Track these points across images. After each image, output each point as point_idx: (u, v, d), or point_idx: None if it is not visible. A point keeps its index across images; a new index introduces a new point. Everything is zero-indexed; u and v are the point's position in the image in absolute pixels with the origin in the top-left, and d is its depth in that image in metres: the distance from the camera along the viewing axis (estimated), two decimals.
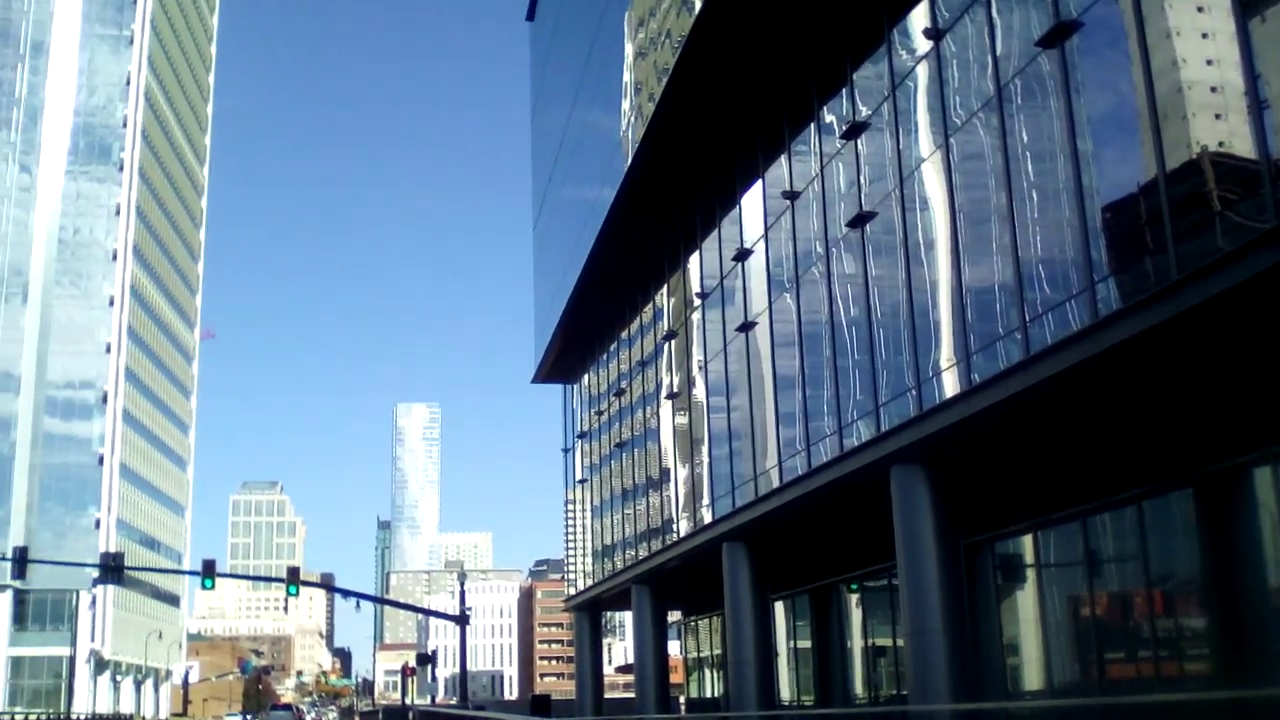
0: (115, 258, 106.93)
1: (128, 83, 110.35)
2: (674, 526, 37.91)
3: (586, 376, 54.70)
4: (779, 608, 35.92)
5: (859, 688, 29.79)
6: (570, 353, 53.92)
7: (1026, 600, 21.68)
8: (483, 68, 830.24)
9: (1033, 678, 21.32)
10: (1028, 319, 17.32)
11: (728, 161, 31.59)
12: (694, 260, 36.21)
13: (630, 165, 34.24)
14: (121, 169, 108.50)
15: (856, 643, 30.16)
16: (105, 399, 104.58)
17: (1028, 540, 21.42)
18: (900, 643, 24.14)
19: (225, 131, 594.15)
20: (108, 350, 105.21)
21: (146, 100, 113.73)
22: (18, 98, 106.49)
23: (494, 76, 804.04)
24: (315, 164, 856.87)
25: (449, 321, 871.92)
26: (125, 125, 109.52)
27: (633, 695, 49.03)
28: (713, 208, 33.66)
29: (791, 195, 27.59)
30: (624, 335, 46.13)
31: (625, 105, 37.06)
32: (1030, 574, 21.55)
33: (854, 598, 30.77)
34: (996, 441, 20.00)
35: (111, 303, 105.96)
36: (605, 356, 49.96)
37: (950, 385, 19.73)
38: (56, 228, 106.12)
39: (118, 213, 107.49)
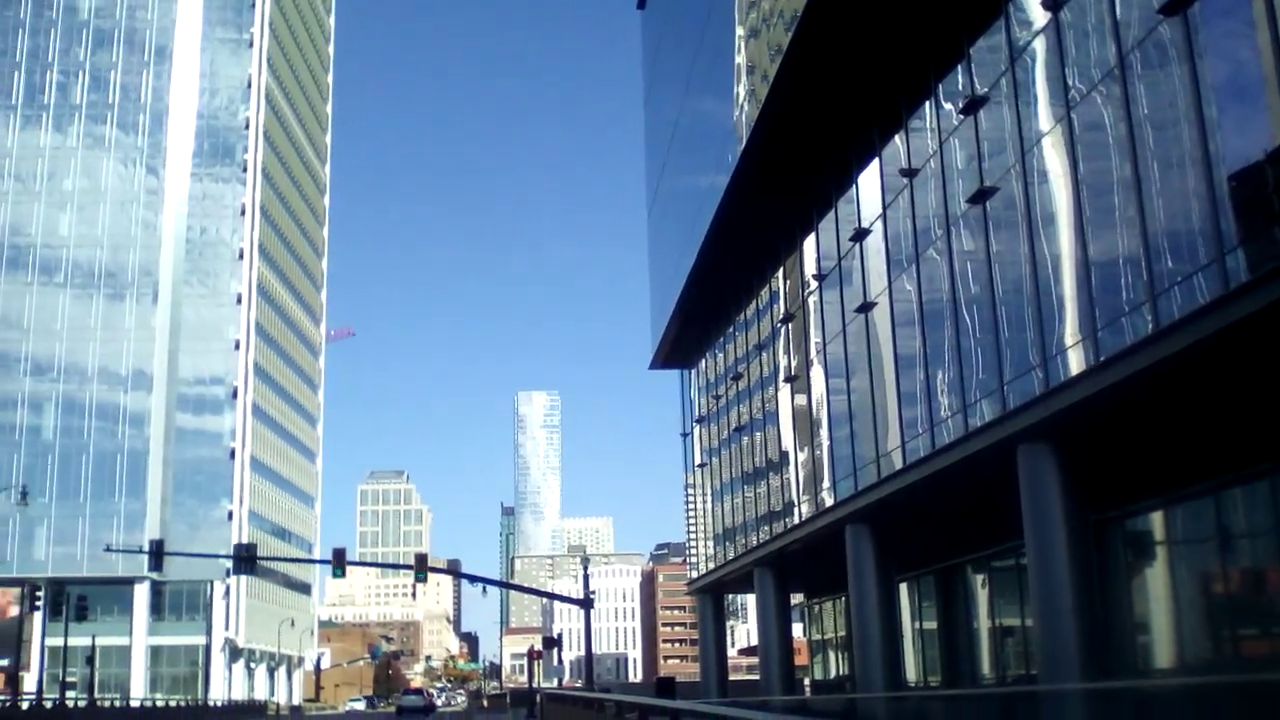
0: (241, 257, 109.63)
1: (248, 85, 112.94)
2: (795, 509, 37.87)
3: (704, 361, 54.79)
4: (903, 589, 35.72)
5: (986, 668, 29.51)
6: (687, 338, 54.03)
7: (1157, 577, 21.33)
8: (596, 56, 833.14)
9: (1164, 656, 20.96)
10: (1155, 292, 17.02)
11: (843, 140, 31.37)
12: (810, 242, 36.09)
13: (744, 148, 34.17)
14: (245, 169, 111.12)
15: (983, 623, 29.87)
16: (235, 394, 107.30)
17: (1158, 517, 21.05)
18: (1029, 622, 23.90)
19: (345, 129, 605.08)
20: (236, 347, 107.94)
21: (267, 101, 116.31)
22: (143, 103, 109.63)
23: (607, 64, 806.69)
24: (432, 159, 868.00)
25: (567, 310, 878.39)
26: (247, 127, 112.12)
27: (757, 677, 49.12)
28: (828, 188, 33.50)
29: (909, 173, 27.36)
30: (741, 319, 46.12)
31: (738, 89, 37.00)
32: (1161, 551, 21.19)
33: (980, 578, 30.47)
34: (1125, 417, 19.68)
35: (239, 300, 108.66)
36: (722, 341, 50.00)
37: (1076, 362, 19.46)
38: (184, 228, 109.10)
39: (243, 213, 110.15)
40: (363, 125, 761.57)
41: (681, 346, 55.68)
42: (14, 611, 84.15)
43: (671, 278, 50.45)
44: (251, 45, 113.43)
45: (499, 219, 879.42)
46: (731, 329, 47.90)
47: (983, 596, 30.26)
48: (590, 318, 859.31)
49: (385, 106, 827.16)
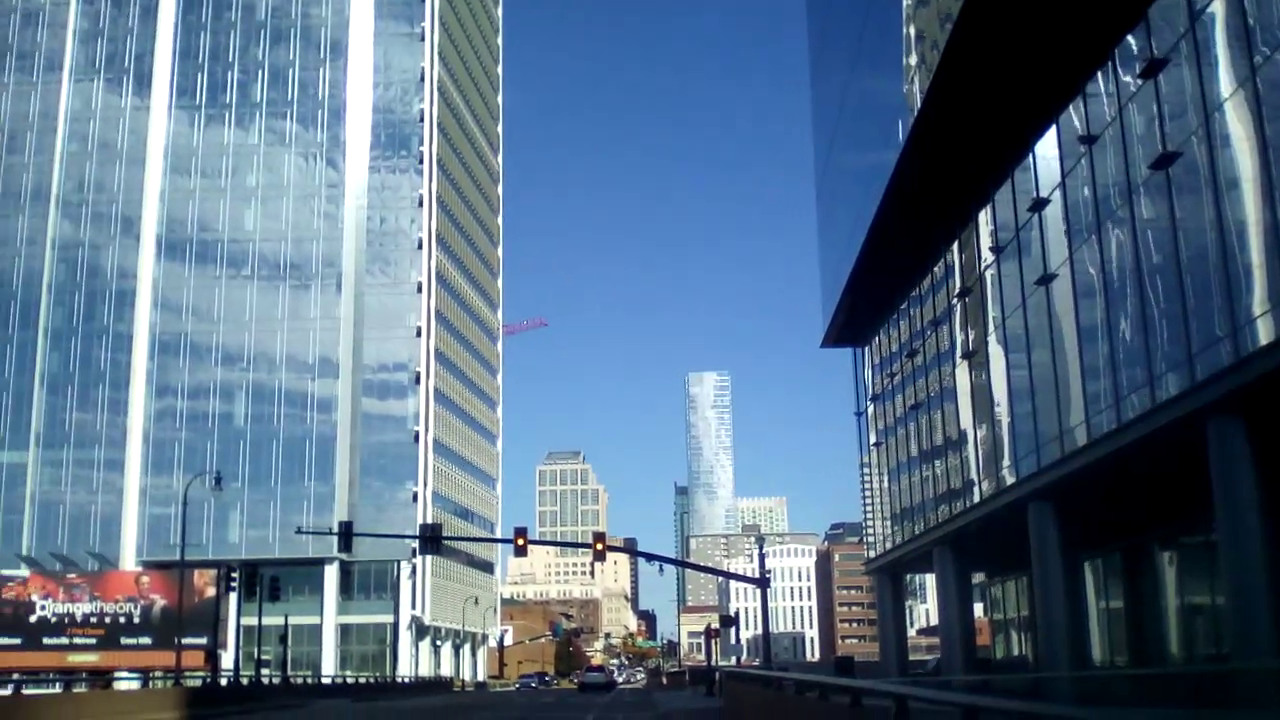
0: (420, 246, 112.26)
1: (421, 78, 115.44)
2: (975, 487, 37.28)
3: (877, 338, 54.23)
4: (1087, 568, 34.89)
5: (1175, 648, 28.68)
6: (859, 315, 53.53)
7: None
8: (762, 38, 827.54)
9: None
10: None
11: (1018, 108, 30.65)
12: (985, 214, 35.40)
13: (915, 119, 33.66)
14: (421, 161, 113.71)
15: (1171, 602, 29.02)
16: (417, 379, 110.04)
17: None
18: (1219, 601, 23.15)
19: (515, 119, 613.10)
20: (418, 334, 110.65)
21: (440, 93, 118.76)
22: (321, 98, 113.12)
23: (774, 46, 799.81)
24: (600, 146, 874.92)
25: (737, 291, 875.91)
26: (422, 119, 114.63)
27: (937, 657, 48.56)
28: (1003, 157, 32.78)
29: (1088, 139, 26.63)
30: (915, 295, 45.51)
31: (907, 60, 36.45)
32: None
33: (1168, 555, 29.59)
34: None
35: (419, 289, 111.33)
36: (896, 317, 49.42)
37: (1266, 331, 18.74)
38: (364, 219, 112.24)
39: (420, 203, 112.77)
40: (532, 115, 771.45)
41: (853, 324, 55.20)
42: (210, 592, 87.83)
43: (842, 255, 50.02)
44: (423, 39, 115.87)
45: (669, 202, 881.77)
46: (905, 305, 47.30)
47: (1170, 575, 29.40)
48: (759, 298, 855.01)
49: (553, 96, 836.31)
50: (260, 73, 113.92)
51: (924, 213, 39.34)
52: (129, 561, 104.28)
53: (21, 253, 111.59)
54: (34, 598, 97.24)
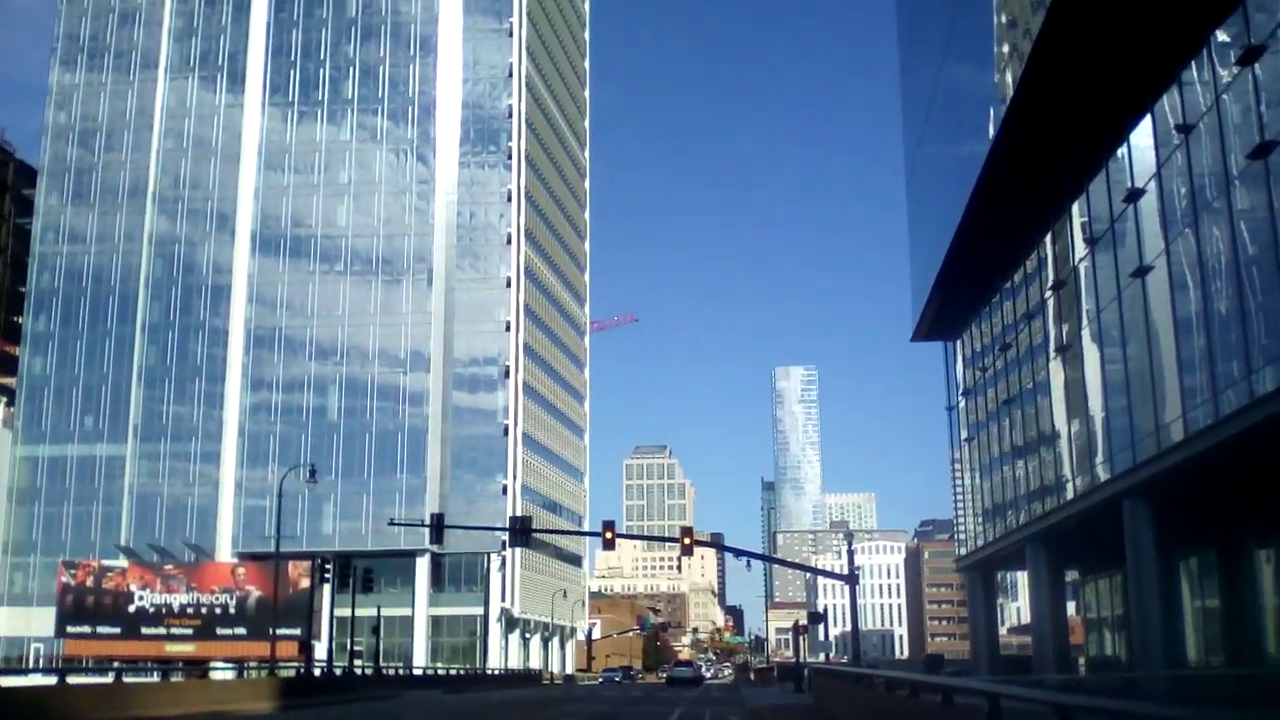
0: (509, 241, 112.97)
1: (509, 73, 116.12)
2: (1068, 484, 36.76)
3: (968, 332, 53.65)
4: (1183, 565, 34.26)
5: (1273, 647, 28.06)
6: (950, 309, 53.00)
7: None
8: (850, 34, 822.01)
9: None
10: None
11: (1111, 97, 30.15)
12: (1079, 205, 34.86)
13: (1007, 110, 33.21)
14: (510, 156, 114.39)
15: (1270, 600, 28.40)
16: (506, 373, 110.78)
17: None
18: None
19: (601, 114, 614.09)
20: (507, 328, 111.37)
21: (528, 89, 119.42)
22: (411, 95, 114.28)
23: (862, 42, 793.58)
24: (687, 141, 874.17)
25: (825, 284, 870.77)
26: (510, 115, 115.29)
27: (1029, 655, 47.97)
28: (1097, 148, 32.26)
29: (1184, 129, 26.12)
30: (1007, 288, 44.97)
31: (998, 50, 35.99)
32: None
33: (1266, 553, 28.95)
34: None
35: (508, 283, 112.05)
36: (987, 311, 48.86)
37: None
38: (454, 215, 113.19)
39: (509, 199, 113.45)
40: (618, 109, 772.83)
41: (944, 318, 54.68)
42: (304, 584, 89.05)
43: (933, 248, 49.55)
44: (511, 34, 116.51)
45: (756, 195, 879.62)
46: (997, 298, 46.75)
47: (1268, 573, 28.78)
48: (848, 292, 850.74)
49: (639, 90, 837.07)
50: (351, 69, 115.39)
51: (1016, 204, 38.84)
52: (225, 553, 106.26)
53: (119, 249, 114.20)
54: (133, 588, 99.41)
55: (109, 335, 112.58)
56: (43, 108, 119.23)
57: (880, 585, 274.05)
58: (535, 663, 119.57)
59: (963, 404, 55.30)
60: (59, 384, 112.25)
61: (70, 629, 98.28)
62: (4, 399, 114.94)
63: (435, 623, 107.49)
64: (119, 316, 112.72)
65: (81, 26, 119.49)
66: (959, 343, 56.17)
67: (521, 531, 59.55)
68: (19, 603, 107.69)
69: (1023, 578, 49.70)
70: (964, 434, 55.14)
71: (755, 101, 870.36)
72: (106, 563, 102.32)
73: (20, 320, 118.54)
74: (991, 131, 35.28)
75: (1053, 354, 38.34)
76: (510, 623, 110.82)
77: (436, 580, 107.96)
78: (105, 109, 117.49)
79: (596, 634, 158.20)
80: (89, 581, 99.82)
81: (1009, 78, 33.26)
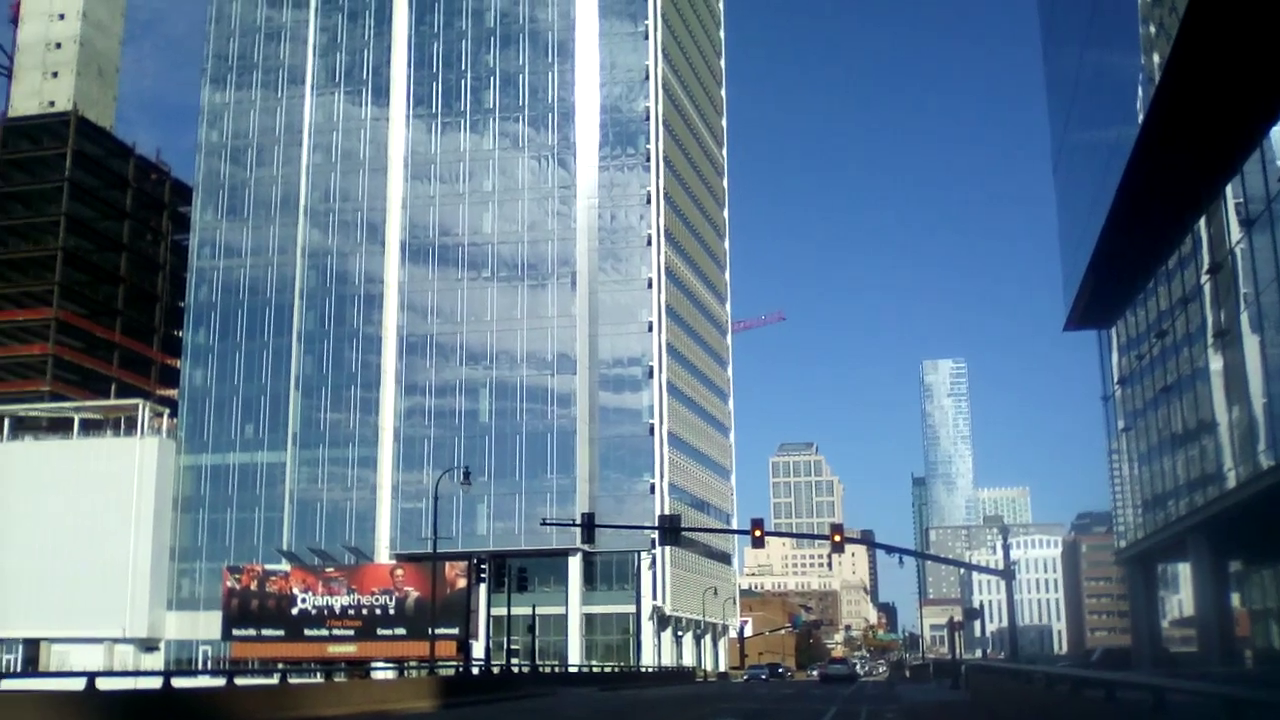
0: (649, 243, 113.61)
1: (645, 76, 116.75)
2: (1230, 472, 35.74)
3: (1122, 320, 52.44)
4: None
5: None
6: (1103, 296, 51.83)
7: None
8: (987, 17, 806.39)
9: None
10: None
11: (1264, 73, 29.21)
12: (1233, 186, 33.88)
13: (1155, 91, 32.42)
14: (648, 158, 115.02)
15: None
16: (650, 373, 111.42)
17: None
18: None
19: (739, 112, 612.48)
20: (649, 329, 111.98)
21: (664, 90, 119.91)
22: (550, 101, 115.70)
23: (1000, 25, 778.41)
24: (825, 133, 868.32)
25: (971, 276, 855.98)
26: (647, 117, 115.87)
27: (1193, 650, 46.72)
28: (1252, 124, 31.29)
29: None
30: (1161, 272, 43.87)
31: (1144, 30, 35.15)
32: None
33: None
34: None
35: (649, 284, 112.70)
36: (1142, 297, 47.71)
37: None
38: (595, 218, 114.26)
39: (648, 200, 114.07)
40: (756, 106, 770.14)
41: (1097, 306, 53.51)
42: (461, 584, 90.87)
43: (1083, 235, 48.55)
44: (647, 37, 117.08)
45: (898, 187, 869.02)
46: (1152, 284, 45.62)
47: None
48: (995, 283, 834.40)
49: (776, 86, 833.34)
50: (491, 78, 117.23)
51: (1168, 187, 37.88)
52: (383, 555, 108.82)
53: (274, 261, 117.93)
54: (295, 591, 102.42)
55: (266, 346, 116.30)
56: (195, 127, 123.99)
57: (1037, 580, 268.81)
58: (688, 660, 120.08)
59: (1119, 393, 54.06)
60: (219, 395, 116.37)
61: (236, 632, 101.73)
62: (167, 410, 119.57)
63: (588, 621, 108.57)
64: (275, 327, 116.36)
65: (230, 46, 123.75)
66: (1113, 330, 54.93)
67: (671, 530, 59.94)
68: (187, 607, 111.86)
69: (1185, 570, 48.29)
70: (1121, 423, 53.90)
71: (895, 89, 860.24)
72: (269, 567, 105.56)
73: (180, 334, 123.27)
74: (1140, 114, 34.48)
75: (1211, 339, 37.31)
76: (662, 621, 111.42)
77: (589, 579, 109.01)
78: (255, 125, 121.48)
79: (748, 631, 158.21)
80: (253, 585, 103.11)
81: (1156, 58, 32.47)
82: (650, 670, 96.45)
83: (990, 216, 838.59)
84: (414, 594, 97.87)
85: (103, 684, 26.90)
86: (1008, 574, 57.96)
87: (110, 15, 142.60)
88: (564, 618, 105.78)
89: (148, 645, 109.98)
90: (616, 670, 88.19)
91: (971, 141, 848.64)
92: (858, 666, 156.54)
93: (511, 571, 69.53)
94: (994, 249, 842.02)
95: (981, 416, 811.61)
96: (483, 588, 75.42)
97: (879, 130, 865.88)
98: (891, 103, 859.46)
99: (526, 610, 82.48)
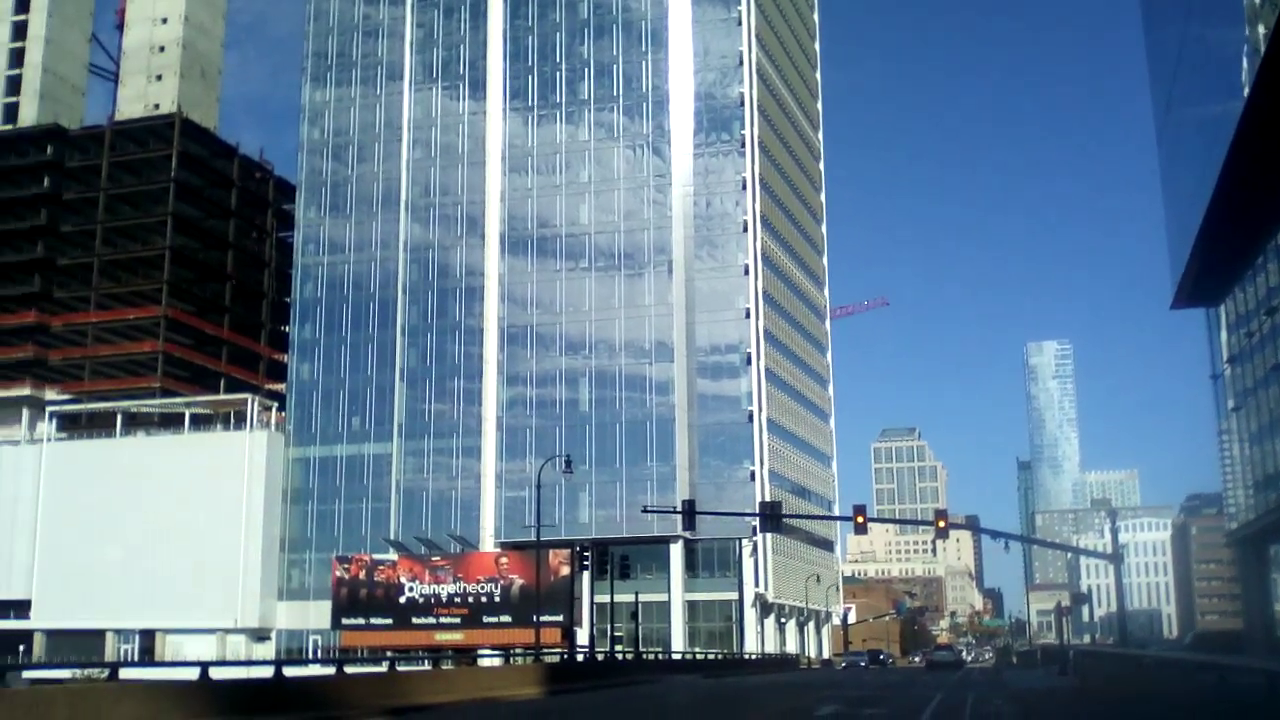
0: (745, 229, 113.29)
1: (739, 61, 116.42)
2: None
3: (1231, 297, 51.43)
4: None
5: None
6: (1210, 274, 50.90)
7: None
8: None
9: None
10: None
11: None
12: None
13: (1261, 63, 31.79)
14: (743, 144, 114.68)
15: None
16: (749, 360, 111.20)
17: None
18: None
19: (835, 94, 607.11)
20: (747, 315, 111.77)
21: (758, 75, 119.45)
22: (644, 90, 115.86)
23: (1100, 2, 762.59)
24: (922, 114, 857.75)
25: (1074, 256, 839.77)
26: (741, 103, 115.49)
27: None
28: None
29: None
30: (1271, 247, 42.98)
31: (1248, 1, 34.43)
32: None
33: None
34: None
35: (746, 271, 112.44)
36: (1251, 274, 46.78)
37: None
38: (690, 205, 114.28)
39: (744, 186, 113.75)
40: (852, 89, 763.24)
41: (1205, 283, 52.58)
42: (564, 571, 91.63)
43: (1189, 212, 47.70)
44: (740, 22, 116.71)
45: (998, 167, 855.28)
46: (1261, 260, 44.74)
47: None
48: (1099, 263, 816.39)
49: (873, 67, 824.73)
50: (586, 69, 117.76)
51: (1274, 161, 37.09)
52: (488, 543, 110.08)
53: (377, 256, 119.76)
54: (402, 580, 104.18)
55: (371, 339, 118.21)
56: (297, 125, 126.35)
57: (1146, 564, 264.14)
58: (791, 647, 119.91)
59: (1228, 371, 53.05)
60: (326, 388, 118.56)
61: (345, 621, 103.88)
62: (275, 404, 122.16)
63: (691, 608, 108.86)
64: (379, 321, 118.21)
65: (329, 44, 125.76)
66: (1221, 308, 53.91)
67: (772, 517, 59.99)
68: (297, 597, 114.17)
69: None
70: (1231, 403, 52.89)
71: (992, 67, 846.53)
72: (377, 556, 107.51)
73: (287, 329, 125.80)
74: (1245, 87, 33.81)
75: None
76: (765, 608, 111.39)
77: (690, 566, 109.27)
78: (355, 122, 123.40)
79: (852, 618, 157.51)
80: (361, 575, 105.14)
81: (1261, 29, 31.82)
82: (754, 657, 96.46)
83: (1093, 197, 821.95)
84: (518, 582, 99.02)
85: (215, 673, 27.52)
86: (1116, 558, 57.18)
87: (211, 18, 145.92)
88: (666, 605, 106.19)
89: (259, 635, 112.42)
90: (720, 657, 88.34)
91: (1074, 119, 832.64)
92: (963, 653, 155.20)
93: (614, 559, 70.10)
94: (1097, 228, 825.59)
95: (1087, 398, 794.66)
96: (586, 575, 76.11)
97: (977, 113, 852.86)
98: (989, 85, 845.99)
99: (629, 597, 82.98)
